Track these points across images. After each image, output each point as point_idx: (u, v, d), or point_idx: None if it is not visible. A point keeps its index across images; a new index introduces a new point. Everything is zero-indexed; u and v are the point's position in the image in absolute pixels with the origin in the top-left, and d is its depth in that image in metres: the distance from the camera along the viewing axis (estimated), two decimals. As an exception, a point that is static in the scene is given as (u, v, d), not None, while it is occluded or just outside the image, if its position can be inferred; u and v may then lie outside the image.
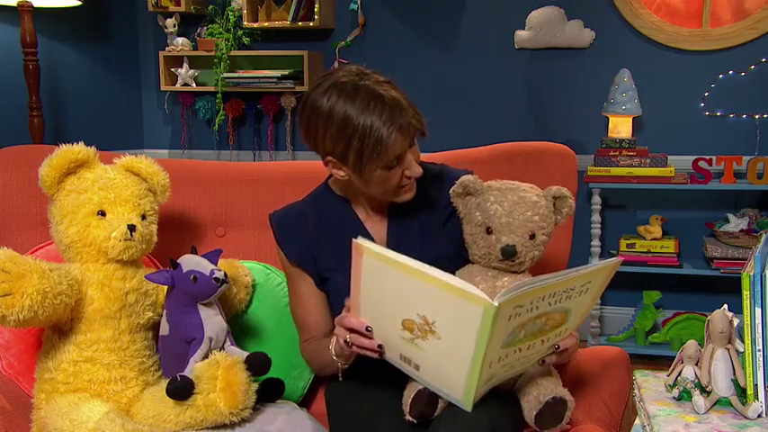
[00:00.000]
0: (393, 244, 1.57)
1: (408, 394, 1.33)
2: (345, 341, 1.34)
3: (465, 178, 1.46)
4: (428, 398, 1.31)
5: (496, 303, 1.11)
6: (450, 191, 1.49)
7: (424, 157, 1.76)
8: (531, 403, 1.36)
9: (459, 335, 1.17)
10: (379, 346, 1.30)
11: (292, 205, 1.64)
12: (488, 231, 1.42)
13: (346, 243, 1.49)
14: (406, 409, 1.33)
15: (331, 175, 1.62)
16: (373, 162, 1.40)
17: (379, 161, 1.40)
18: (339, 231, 1.57)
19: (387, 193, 1.48)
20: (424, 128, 1.44)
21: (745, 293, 1.19)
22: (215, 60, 3.76)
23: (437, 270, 1.17)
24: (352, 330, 1.33)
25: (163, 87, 3.91)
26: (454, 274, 1.49)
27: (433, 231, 1.57)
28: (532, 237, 1.41)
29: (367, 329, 1.30)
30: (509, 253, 1.39)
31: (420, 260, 1.51)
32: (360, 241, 1.23)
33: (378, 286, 1.25)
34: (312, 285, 1.59)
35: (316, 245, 1.58)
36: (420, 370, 1.28)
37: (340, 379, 1.52)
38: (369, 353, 1.32)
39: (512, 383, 1.44)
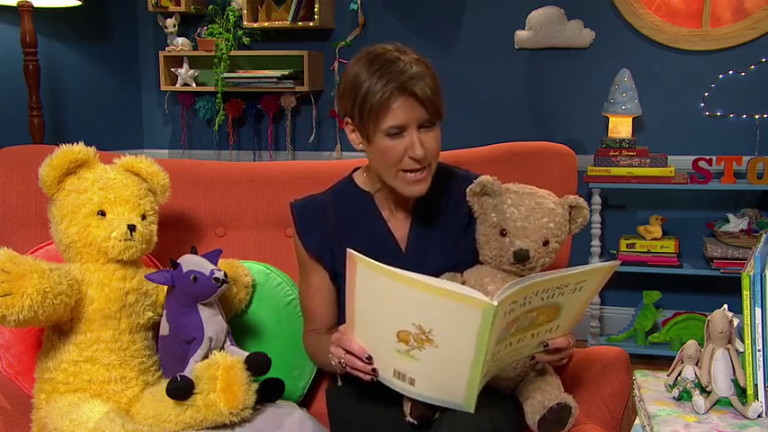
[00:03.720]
0: (414, 243, 1.56)
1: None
2: (340, 361, 1.34)
3: (483, 178, 1.45)
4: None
5: (495, 303, 1.11)
6: (468, 189, 1.47)
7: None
8: (534, 408, 1.36)
9: (458, 340, 1.17)
10: (373, 370, 1.30)
11: (313, 197, 1.62)
12: (502, 234, 1.41)
13: (367, 239, 1.48)
14: (407, 410, 1.33)
15: (356, 169, 1.63)
16: (373, 122, 1.41)
17: (378, 122, 1.40)
18: (360, 227, 1.56)
19: (393, 174, 1.45)
20: (432, 101, 1.41)
21: (745, 293, 1.19)
22: (215, 60, 3.76)
23: (431, 278, 1.17)
24: (348, 352, 1.32)
25: (163, 87, 3.91)
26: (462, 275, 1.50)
27: (455, 236, 1.56)
28: (546, 243, 1.41)
29: (368, 359, 1.30)
30: (522, 257, 1.39)
31: (441, 264, 1.50)
32: (354, 252, 1.22)
33: (372, 298, 1.25)
34: (324, 278, 1.58)
35: (335, 239, 1.55)
36: (416, 384, 1.27)
37: (339, 384, 1.52)
38: (362, 375, 1.32)
39: (513, 386, 1.44)
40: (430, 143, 1.43)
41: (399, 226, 1.57)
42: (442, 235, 1.56)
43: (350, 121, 1.48)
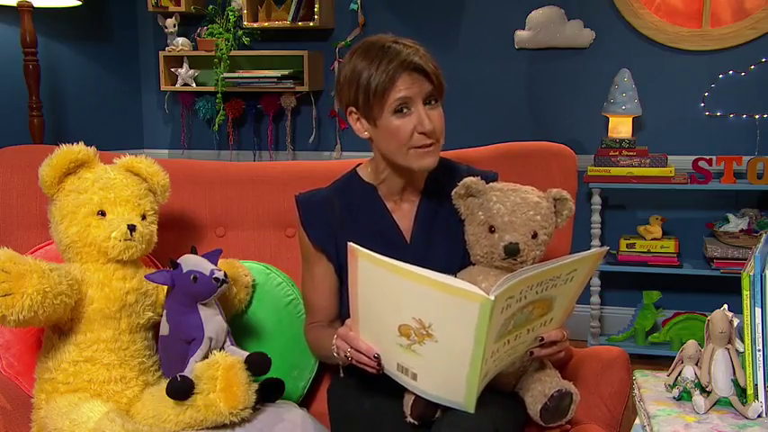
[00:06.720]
0: (418, 235, 1.57)
1: (409, 396, 1.33)
2: (346, 355, 1.35)
3: (467, 180, 1.47)
4: (429, 400, 1.31)
5: (492, 297, 1.11)
6: (453, 192, 1.49)
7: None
8: (536, 397, 1.37)
9: (456, 335, 1.17)
10: (378, 363, 1.31)
11: (318, 191, 1.63)
12: (491, 230, 1.43)
13: (372, 232, 1.48)
14: (407, 410, 1.33)
15: (360, 164, 1.64)
16: (378, 102, 1.43)
17: (385, 101, 1.43)
18: (365, 219, 1.57)
19: (404, 152, 1.46)
20: (435, 73, 1.46)
21: (745, 293, 1.19)
22: (215, 60, 3.76)
23: (430, 271, 1.17)
24: (355, 349, 1.33)
25: (163, 87, 3.91)
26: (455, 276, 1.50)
27: (458, 227, 1.55)
28: (534, 236, 1.42)
29: (375, 357, 1.30)
30: (512, 251, 1.40)
31: (446, 255, 1.50)
32: (355, 246, 1.23)
33: (374, 292, 1.25)
34: (328, 270, 1.59)
35: (340, 231, 1.56)
36: (418, 379, 1.27)
37: (341, 375, 1.52)
38: (368, 368, 1.33)
39: (513, 383, 1.44)
40: (436, 120, 1.47)
41: (404, 218, 1.58)
42: (445, 226, 1.57)
43: (354, 109, 1.50)
